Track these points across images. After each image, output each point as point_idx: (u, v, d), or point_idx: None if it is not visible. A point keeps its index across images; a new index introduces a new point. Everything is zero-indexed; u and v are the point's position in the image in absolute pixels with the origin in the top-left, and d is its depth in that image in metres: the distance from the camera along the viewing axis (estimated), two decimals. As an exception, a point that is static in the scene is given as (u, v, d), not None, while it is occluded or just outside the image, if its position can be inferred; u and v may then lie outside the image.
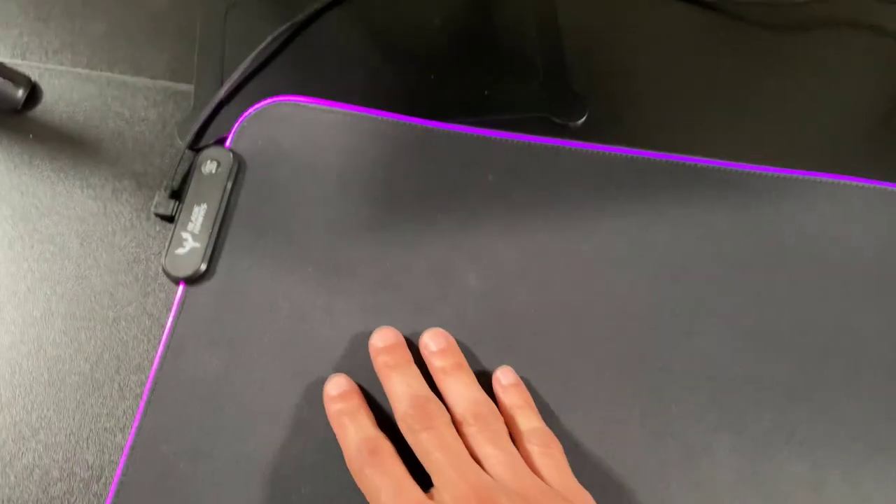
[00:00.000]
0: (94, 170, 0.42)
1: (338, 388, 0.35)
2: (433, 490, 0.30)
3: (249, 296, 0.37)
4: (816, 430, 0.35)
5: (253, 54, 0.44)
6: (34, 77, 0.44)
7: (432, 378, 0.35)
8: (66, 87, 0.44)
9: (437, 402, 0.33)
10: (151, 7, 0.47)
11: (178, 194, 0.40)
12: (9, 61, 0.44)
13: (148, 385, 0.35)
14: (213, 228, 0.38)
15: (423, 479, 0.31)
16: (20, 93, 0.43)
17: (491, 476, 0.30)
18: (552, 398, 0.36)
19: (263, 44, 0.45)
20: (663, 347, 0.36)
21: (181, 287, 0.37)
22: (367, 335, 0.36)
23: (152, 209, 0.40)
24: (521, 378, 0.35)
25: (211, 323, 0.37)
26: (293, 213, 0.39)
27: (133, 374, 0.37)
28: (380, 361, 0.35)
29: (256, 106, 0.42)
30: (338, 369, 0.36)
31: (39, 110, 0.44)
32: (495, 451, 0.31)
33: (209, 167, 0.40)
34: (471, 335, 0.36)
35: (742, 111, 0.44)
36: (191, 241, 0.38)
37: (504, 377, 0.35)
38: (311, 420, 0.35)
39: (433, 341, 0.36)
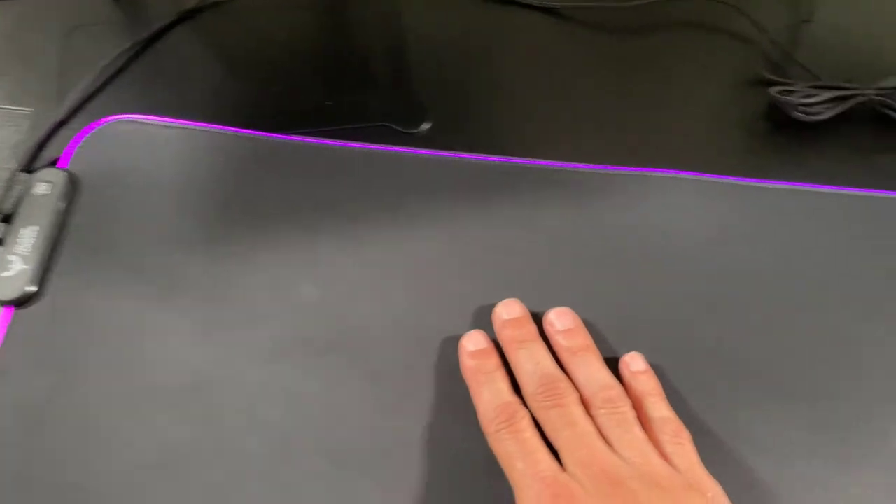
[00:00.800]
0: (-77, 197, 0.40)
1: (475, 344, 0.34)
2: (565, 465, 0.30)
3: (81, 317, 0.36)
4: None
5: (94, 73, 0.44)
6: None
7: (558, 357, 0.34)
8: None
9: (567, 381, 0.33)
10: (-9, 31, 0.47)
11: (9, 218, 0.39)
12: None
13: (-31, 413, 0.34)
14: (44, 249, 0.37)
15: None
16: None
17: (622, 458, 0.30)
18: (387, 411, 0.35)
19: (104, 62, 0.44)
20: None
21: (8, 311, 0.36)
22: (201, 353, 0.35)
23: (-20, 234, 0.38)
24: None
25: (40, 345, 0.36)
26: (129, 231, 0.39)
27: (-46, 402, 0.35)
28: (506, 335, 0.35)
29: (95, 124, 0.41)
30: (177, 389, 0.35)
31: None
32: (626, 435, 0.31)
33: (41, 188, 0.39)
34: (309, 349, 0.36)
35: (587, 114, 0.45)
36: (19, 263, 0.37)
37: (633, 363, 0.35)
38: (142, 443, 0.34)
39: (559, 320, 0.35)
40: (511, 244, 0.39)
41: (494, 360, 0.34)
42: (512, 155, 0.42)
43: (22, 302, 0.36)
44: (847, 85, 0.44)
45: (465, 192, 0.41)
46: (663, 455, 0.31)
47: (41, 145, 0.42)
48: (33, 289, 0.36)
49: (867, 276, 0.39)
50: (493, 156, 0.42)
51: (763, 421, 0.35)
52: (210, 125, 0.42)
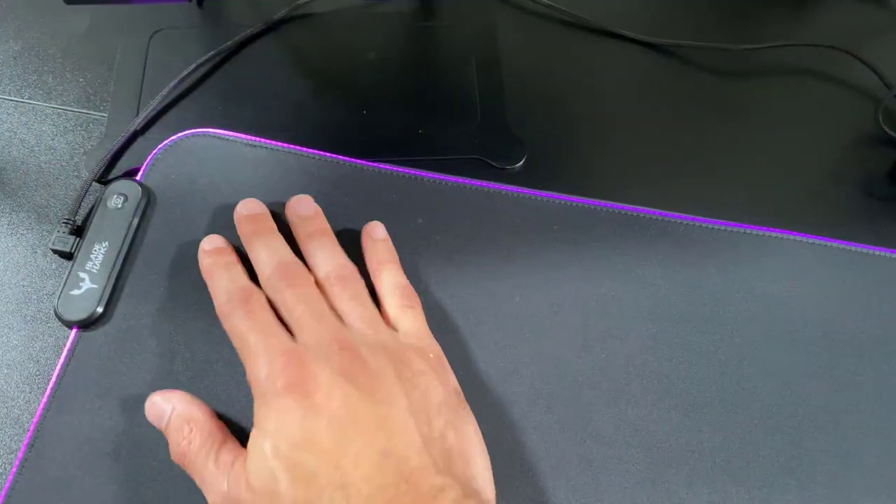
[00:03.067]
0: (-9, 200, 0.39)
1: (212, 243, 0.35)
2: (298, 337, 0.31)
3: (147, 344, 0.34)
4: None
5: (173, 83, 0.41)
6: (-66, 99, 0.41)
7: (297, 244, 0.35)
8: (-32, 111, 0.41)
9: (302, 266, 0.34)
10: (69, 30, 0.45)
11: (81, 230, 0.37)
12: None
13: (26, 441, 0.32)
14: (113, 268, 0.35)
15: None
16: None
17: (350, 329, 0.32)
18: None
19: (185, 72, 0.42)
20: (593, 412, 0.34)
21: (73, 332, 0.34)
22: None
23: (50, 245, 0.36)
24: None
25: (103, 373, 0.33)
26: (203, 254, 0.36)
27: (10, 427, 0.33)
28: (244, 230, 0.35)
29: (173, 137, 0.39)
30: (238, 429, 0.32)
31: (-64, 134, 0.40)
32: (357, 308, 0.32)
33: (115, 201, 0.37)
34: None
35: (686, 158, 0.43)
36: (88, 281, 0.35)
37: (374, 231, 0.36)
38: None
39: (300, 205, 0.36)
40: (605, 294, 0.36)
41: (231, 255, 0.35)
42: (608, 198, 0.39)
43: (88, 323, 0.34)
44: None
45: (561, 235, 0.38)
46: (392, 321, 0.33)
47: (117, 155, 0.40)
48: (101, 310, 0.34)
49: None
50: (589, 199, 0.39)
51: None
52: (292, 146, 0.39)
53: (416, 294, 0.34)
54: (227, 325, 0.32)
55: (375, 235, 0.36)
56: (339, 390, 0.28)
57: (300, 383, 0.29)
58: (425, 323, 0.34)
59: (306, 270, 0.34)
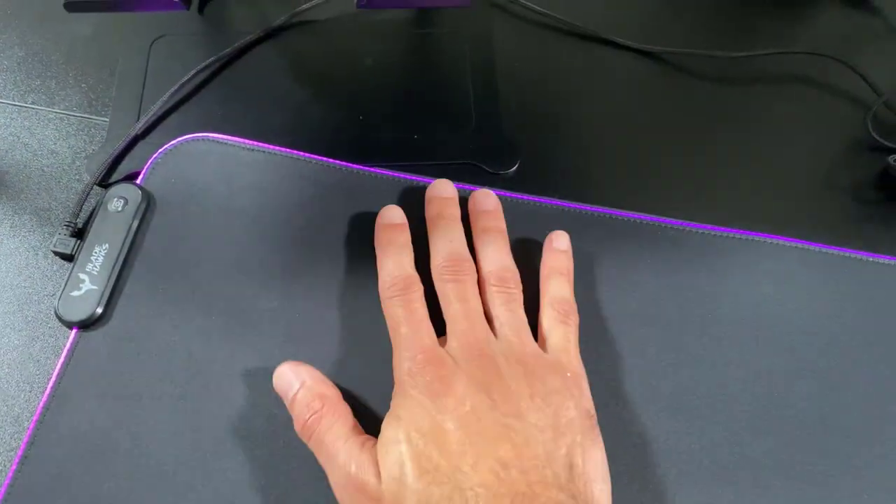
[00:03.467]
0: (-6, 203, 0.39)
1: (391, 218, 0.37)
2: (446, 335, 0.33)
3: (146, 345, 0.35)
4: None
5: (173, 88, 0.42)
6: (-62, 104, 0.42)
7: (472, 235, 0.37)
8: (-28, 115, 0.42)
9: (471, 262, 0.35)
10: (72, 36, 0.45)
11: (81, 233, 0.38)
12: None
13: (25, 438, 0.32)
14: (113, 270, 0.36)
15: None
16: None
17: (497, 336, 0.33)
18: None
19: (185, 78, 0.43)
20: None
21: (73, 332, 0.35)
22: (269, 392, 0.33)
23: (51, 247, 0.37)
24: None
25: (102, 373, 0.34)
26: (201, 256, 0.37)
27: (10, 425, 0.34)
28: (432, 210, 0.37)
29: (173, 142, 0.40)
30: (236, 429, 0.33)
31: (-60, 138, 0.41)
32: (506, 315, 0.33)
33: (115, 205, 0.38)
34: (382, 396, 0.34)
35: (679, 164, 0.43)
36: (88, 282, 0.36)
37: (557, 240, 0.37)
38: (200, 483, 0.32)
39: (483, 199, 0.38)
40: (598, 299, 0.37)
41: (405, 236, 0.36)
42: (600, 203, 0.39)
43: (88, 324, 0.35)
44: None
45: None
46: (545, 330, 0.34)
47: (118, 159, 0.40)
48: (100, 311, 0.35)
49: None
50: (581, 203, 0.39)
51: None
52: (291, 150, 0.40)
53: (575, 311, 0.35)
54: (384, 308, 0.34)
55: (557, 245, 0.37)
56: (471, 398, 0.30)
57: (436, 384, 0.30)
58: (575, 341, 0.34)
59: (473, 266, 0.35)
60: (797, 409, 0.35)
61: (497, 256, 0.35)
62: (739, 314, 0.37)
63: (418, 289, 0.34)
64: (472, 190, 0.39)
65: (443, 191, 0.38)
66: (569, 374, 0.32)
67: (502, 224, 0.37)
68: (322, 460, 0.31)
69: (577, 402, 0.31)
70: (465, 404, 0.29)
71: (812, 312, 0.37)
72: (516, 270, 0.35)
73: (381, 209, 0.37)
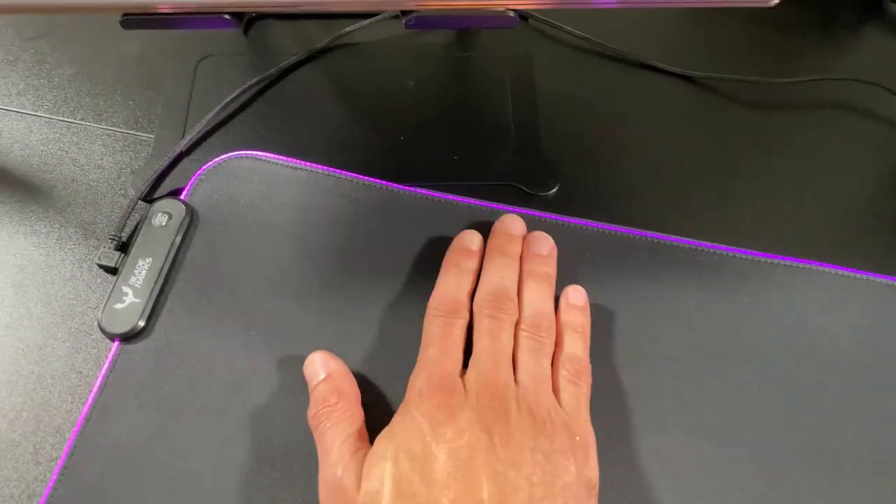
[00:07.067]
0: (41, 216, 0.40)
1: (468, 243, 0.37)
2: (468, 368, 0.32)
3: (186, 358, 0.35)
4: None
5: (218, 107, 0.43)
6: (-7, 118, 0.43)
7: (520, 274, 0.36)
8: (23, 131, 0.43)
9: (514, 303, 0.34)
10: (120, 55, 0.47)
11: (125, 246, 0.38)
12: (-32, 101, 0.43)
13: (66, 449, 0.33)
14: (155, 284, 0.36)
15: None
16: (-27, 133, 0.41)
17: (517, 382, 0.32)
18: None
19: (230, 97, 0.43)
20: (622, 438, 0.34)
21: (115, 344, 0.35)
22: (306, 410, 0.33)
23: (96, 260, 0.38)
24: None
25: (142, 385, 0.34)
26: (242, 271, 0.37)
27: (51, 436, 0.34)
28: (495, 242, 0.37)
29: (217, 159, 0.40)
30: (274, 444, 0.33)
31: (-7, 152, 0.42)
32: (531, 363, 0.33)
33: (159, 219, 0.38)
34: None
35: (719, 189, 0.43)
36: (131, 295, 0.36)
37: (573, 296, 0.36)
38: (237, 498, 0.32)
39: (538, 243, 0.37)
40: (637, 322, 0.37)
41: (475, 263, 0.36)
42: (641, 226, 0.39)
43: (130, 336, 0.35)
44: None
45: (593, 262, 0.38)
46: (556, 390, 0.33)
47: (162, 175, 0.41)
48: (142, 324, 0.35)
49: None
50: (622, 226, 0.39)
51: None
52: (333, 169, 0.40)
53: (587, 373, 0.34)
54: (425, 322, 0.34)
55: (574, 300, 0.36)
56: (470, 434, 0.29)
57: (440, 411, 0.30)
58: (586, 404, 0.33)
59: (515, 308, 0.34)
60: (845, 440, 0.34)
61: (538, 302, 0.35)
62: (783, 342, 0.36)
63: (463, 317, 0.34)
64: (508, 210, 0.39)
65: (510, 227, 0.37)
66: (578, 439, 0.31)
67: (553, 270, 0.36)
68: (319, 453, 0.31)
69: (580, 468, 0.30)
70: (463, 438, 0.29)
71: (858, 341, 0.36)
72: (553, 321, 0.35)
73: (460, 232, 0.37)
